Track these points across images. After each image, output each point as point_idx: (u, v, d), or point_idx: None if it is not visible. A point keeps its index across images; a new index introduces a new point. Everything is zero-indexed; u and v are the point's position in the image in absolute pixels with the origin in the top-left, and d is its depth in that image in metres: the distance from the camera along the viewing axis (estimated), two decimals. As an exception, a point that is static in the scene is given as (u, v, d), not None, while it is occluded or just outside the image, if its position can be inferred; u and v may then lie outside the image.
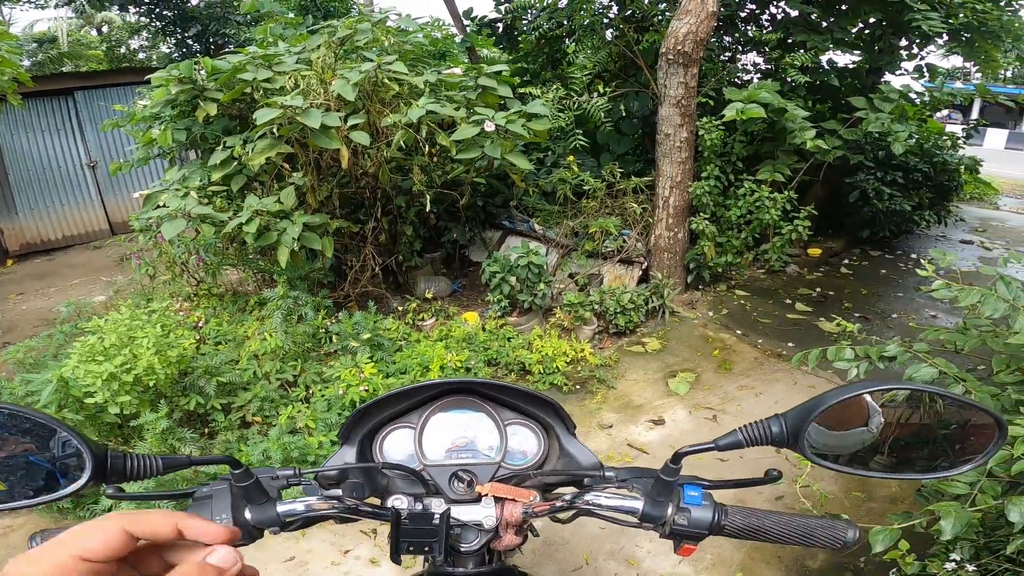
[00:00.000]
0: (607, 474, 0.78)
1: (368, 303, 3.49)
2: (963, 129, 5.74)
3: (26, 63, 7.52)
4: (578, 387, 3.28)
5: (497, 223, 4.72)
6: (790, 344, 3.70)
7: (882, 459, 0.68)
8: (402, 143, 3.02)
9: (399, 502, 0.76)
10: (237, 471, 0.69)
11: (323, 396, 2.86)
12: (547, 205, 4.52)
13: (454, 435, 0.86)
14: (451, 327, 3.41)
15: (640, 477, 0.76)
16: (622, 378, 3.36)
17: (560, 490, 0.86)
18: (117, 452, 0.62)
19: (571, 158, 4.44)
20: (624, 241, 4.19)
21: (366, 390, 2.85)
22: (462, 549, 0.77)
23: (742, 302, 4.31)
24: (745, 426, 0.67)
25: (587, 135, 4.53)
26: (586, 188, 4.29)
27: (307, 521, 0.75)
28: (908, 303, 4.39)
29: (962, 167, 5.55)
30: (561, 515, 0.81)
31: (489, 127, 2.98)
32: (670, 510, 0.71)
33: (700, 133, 4.09)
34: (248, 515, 0.71)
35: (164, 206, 3.00)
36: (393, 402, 0.85)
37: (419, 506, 0.77)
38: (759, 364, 3.51)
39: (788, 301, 4.34)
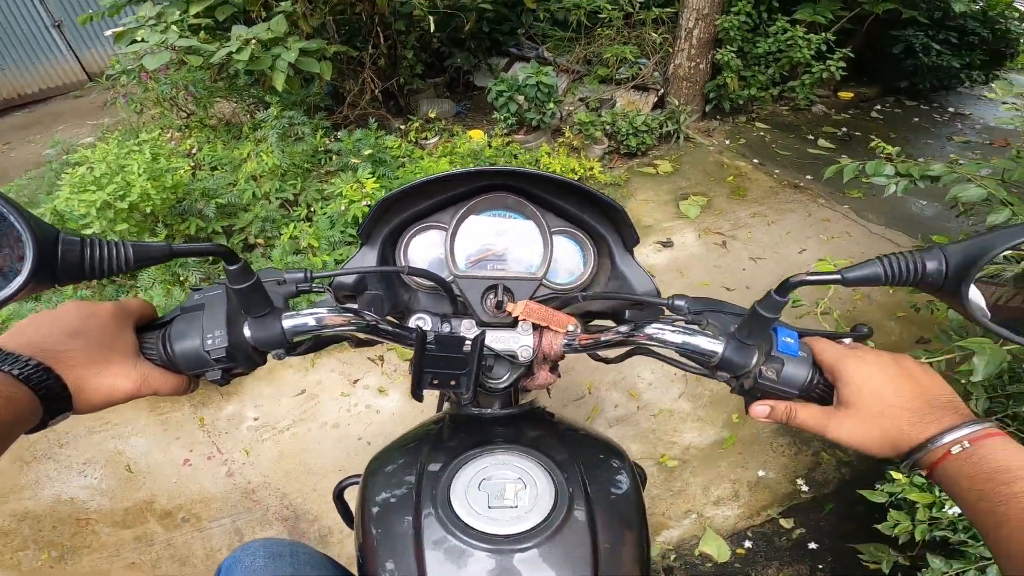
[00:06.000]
0: (677, 303, 0.60)
1: (369, 122, 3.31)
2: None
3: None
4: (586, 209, 3.18)
5: (504, 50, 4.41)
6: (808, 176, 3.54)
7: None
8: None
9: (423, 322, 0.63)
10: (233, 267, 0.50)
11: (325, 214, 2.76)
12: (558, 32, 4.18)
13: (488, 241, 0.69)
14: (456, 144, 3.25)
15: (718, 311, 0.59)
16: (632, 198, 3.25)
17: (599, 323, 0.70)
18: (73, 236, 0.41)
19: (588, -16, 4.03)
20: (640, 69, 3.90)
21: (368, 205, 2.75)
22: (488, 385, 0.65)
23: (762, 134, 4.09)
24: (888, 257, 0.46)
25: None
26: (602, 16, 3.93)
27: (317, 343, 0.61)
28: (937, 151, 4.17)
29: (1023, 38, 5.25)
30: (610, 352, 0.65)
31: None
32: (755, 358, 0.54)
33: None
34: (247, 332, 0.55)
35: (143, 41, 2.76)
36: (423, 194, 0.67)
37: (447, 327, 0.63)
38: (774, 193, 3.38)
39: (810, 137, 4.10)
